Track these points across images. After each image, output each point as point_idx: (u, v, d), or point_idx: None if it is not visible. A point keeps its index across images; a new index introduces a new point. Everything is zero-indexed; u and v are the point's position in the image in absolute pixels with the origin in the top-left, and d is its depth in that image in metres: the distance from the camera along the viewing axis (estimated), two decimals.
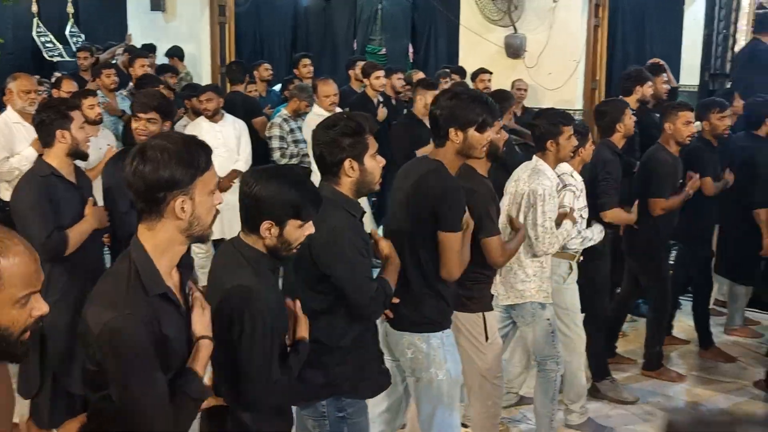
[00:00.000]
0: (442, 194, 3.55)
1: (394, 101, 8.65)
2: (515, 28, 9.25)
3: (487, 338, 4.18)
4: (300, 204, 2.81)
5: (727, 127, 6.08)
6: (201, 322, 2.48)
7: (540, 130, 4.68)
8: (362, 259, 3.20)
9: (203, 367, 2.46)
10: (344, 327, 3.27)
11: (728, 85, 9.15)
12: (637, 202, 5.48)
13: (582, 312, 5.22)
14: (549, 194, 4.48)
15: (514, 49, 9.26)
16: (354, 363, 3.31)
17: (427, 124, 6.82)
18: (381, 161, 3.31)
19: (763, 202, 6.17)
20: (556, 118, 4.67)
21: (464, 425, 4.39)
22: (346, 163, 3.21)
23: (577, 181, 4.90)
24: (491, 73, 9.00)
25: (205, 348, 2.46)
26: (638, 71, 6.68)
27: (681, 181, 5.76)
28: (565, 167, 4.88)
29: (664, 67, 7.35)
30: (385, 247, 3.46)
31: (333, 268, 3.16)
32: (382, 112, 8.13)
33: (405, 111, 8.33)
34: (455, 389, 3.82)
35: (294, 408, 3.30)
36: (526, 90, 8.95)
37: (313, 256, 3.15)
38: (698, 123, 6.08)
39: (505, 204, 4.53)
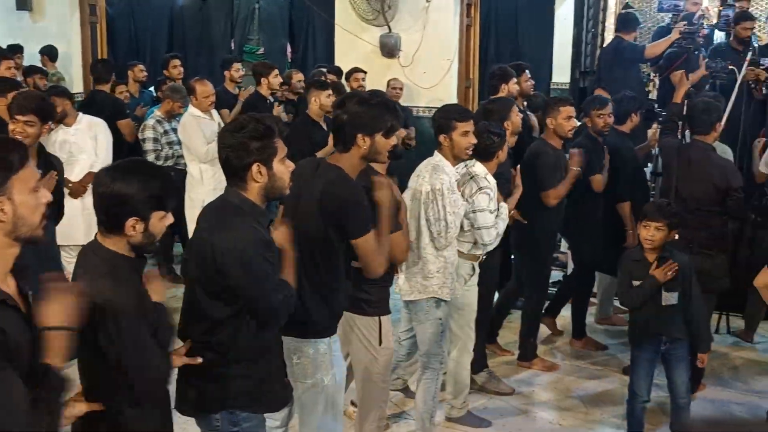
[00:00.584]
0: (346, 206, 3.50)
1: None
2: (389, 28, 9.33)
3: (380, 342, 4.18)
4: (163, 194, 2.76)
5: (606, 124, 6.24)
6: (46, 313, 2.38)
7: (435, 125, 4.74)
8: (269, 267, 3.08)
9: (58, 357, 2.37)
10: (249, 338, 3.13)
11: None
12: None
13: None
14: (447, 188, 4.52)
15: (389, 49, 9.33)
16: (255, 376, 3.19)
17: (323, 125, 6.87)
18: (290, 166, 3.20)
19: (627, 197, 6.38)
20: (450, 114, 4.71)
21: None
22: (254, 168, 3.06)
23: (491, 183, 4.95)
24: (365, 72, 9.04)
25: (54, 338, 2.37)
26: (503, 69, 6.82)
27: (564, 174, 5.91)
28: (480, 168, 4.95)
29: (524, 66, 7.52)
30: (280, 237, 3.30)
31: (239, 278, 3.01)
32: (277, 110, 8.07)
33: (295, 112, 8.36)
34: (340, 395, 3.81)
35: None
36: (401, 89, 9.02)
37: (217, 264, 3.02)
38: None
39: (407, 198, 4.56)
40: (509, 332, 6.59)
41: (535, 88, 8.55)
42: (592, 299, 7.48)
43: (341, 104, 3.66)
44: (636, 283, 4.71)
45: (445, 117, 4.67)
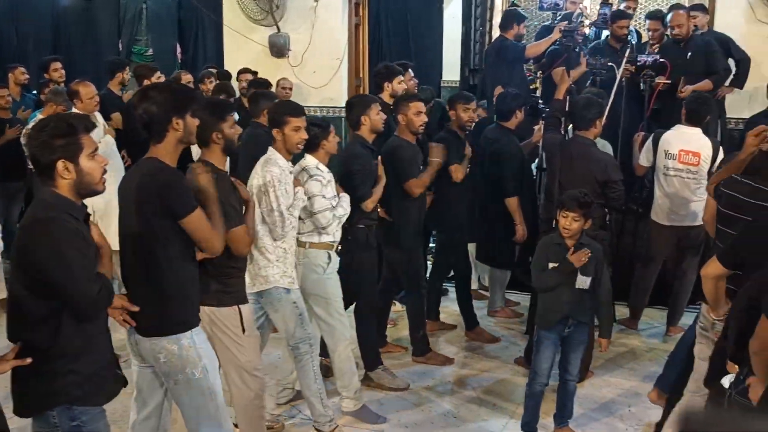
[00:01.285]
0: (165, 190, 3.50)
1: None
2: (278, 28, 9.31)
3: (244, 331, 4.21)
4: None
5: (471, 119, 6.38)
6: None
7: (269, 119, 4.82)
8: (83, 260, 3.14)
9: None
10: (71, 332, 3.18)
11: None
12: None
13: (351, 303, 5.34)
14: (278, 180, 4.59)
15: (278, 48, 9.32)
16: (84, 371, 3.24)
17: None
18: (102, 161, 3.28)
19: (514, 192, 6.53)
20: (283, 109, 4.80)
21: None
22: (60, 165, 3.15)
23: (324, 172, 5.03)
24: (255, 72, 8.99)
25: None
26: (387, 67, 6.89)
27: (422, 168, 5.99)
28: (311, 161, 5.02)
29: (408, 65, 7.63)
30: (95, 234, 3.37)
31: (52, 273, 3.09)
32: None
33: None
34: (216, 385, 3.79)
35: None
36: (291, 88, 9.01)
37: (30, 260, 3.11)
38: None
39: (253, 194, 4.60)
40: (404, 328, 6.67)
41: (432, 93, 8.69)
42: (483, 292, 7.65)
43: (141, 100, 3.62)
44: (552, 265, 4.85)
45: (279, 112, 4.77)
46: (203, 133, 3.96)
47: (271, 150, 4.75)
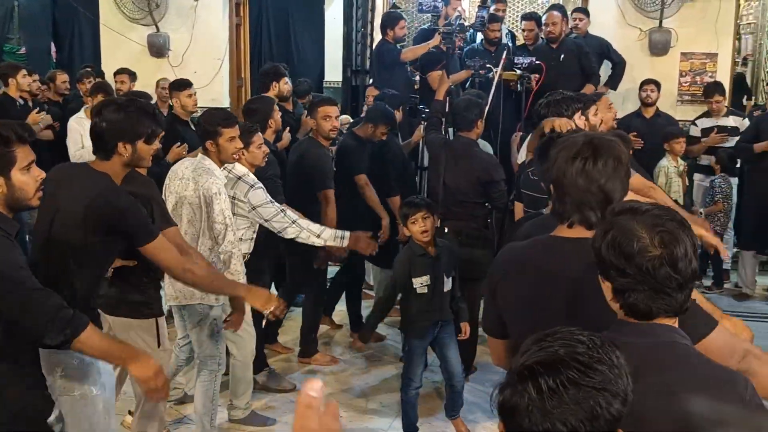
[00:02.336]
0: (125, 217, 3.39)
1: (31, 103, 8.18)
2: (157, 27, 9.16)
3: (159, 344, 4.12)
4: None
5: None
6: None
7: (200, 130, 4.70)
8: (25, 276, 2.91)
9: None
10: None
11: (369, 82, 9.69)
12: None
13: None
14: (221, 191, 4.52)
15: (158, 48, 9.18)
16: (11, 396, 3.06)
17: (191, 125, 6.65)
18: (37, 174, 3.05)
19: (396, 191, 6.60)
20: (215, 119, 4.67)
21: None
22: None
23: (255, 180, 4.98)
24: (133, 73, 8.81)
25: None
26: (274, 68, 6.89)
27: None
28: (241, 169, 4.92)
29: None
30: None
31: None
32: (34, 117, 7.64)
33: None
34: (111, 402, 3.71)
35: None
36: None
37: None
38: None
39: (170, 203, 4.50)
40: (288, 330, 6.66)
41: (309, 86, 8.71)
42: (370, 292, 7.71)
43: (99, 112, 3.54)
44: (420, 279, 4.92)
45: (211, 123, 4.65)
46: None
47: (202, 158, 4.63)
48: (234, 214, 4.77)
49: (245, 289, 4.15)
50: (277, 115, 5.66)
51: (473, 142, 6.02)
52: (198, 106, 7.04)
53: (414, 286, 4.95)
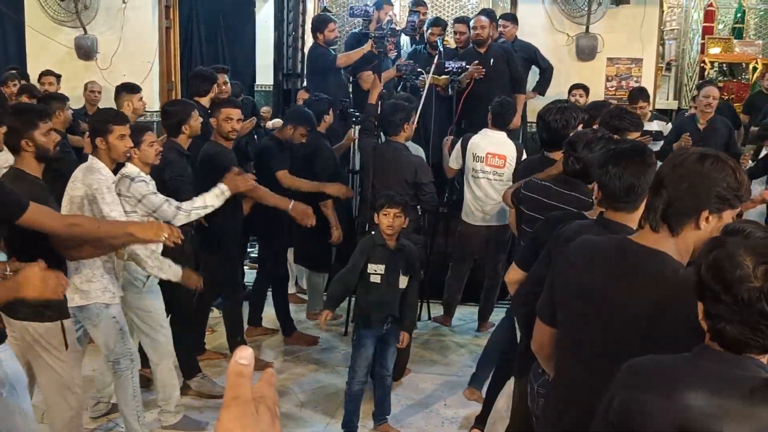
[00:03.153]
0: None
1: None
2: (85, 29, 9.02)
3: (66, 346, 4.05)
4: None
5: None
6: None
7: (91, 128, 4.66)
8: None
9: None
10: None
11: (300, 85, 9.71)
12: None
13: (169, 313, 5.26)
14: (107, 188, 4.45)
15: (86, 51, 9.04)
16: None
17: None
18: None
19: (329, 195, 6.61)
20: (106, 117, 4.65)
21: None
22: None
23: (147, 179, 4.92)
24: (58, 75, 8.66)
25: None
26: (209, 72, 6.85)
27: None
28: (132, 169, 4.87)
29: (224, 69, 7.62)
30: None
31: None
32: None
33: None
34: (25, 403, 3.64)
35: None
36: (99, 92, 8.73)
37: None
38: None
39: (65, 207, 4.44)
40: (220, 336, 6.62)
41: (240, 89, 8.67)
42: (301, 295, 7.71)
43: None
44: (376, 266, 4.98)
45: (102, 120, 4.62)
46: (12, 140, 3.81)
47: (92, 158, 4.57)
48: (126, 212, 4.74)
49: (133, 225, 4.16)
50: (195, 120, 5.61)
51: (402, 146, 6.08)
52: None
53: (368, 272, 5.00)
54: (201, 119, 5.75)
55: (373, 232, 5.22)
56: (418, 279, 5.34)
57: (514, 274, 3.94)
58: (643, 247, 2.41)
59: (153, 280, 5.02)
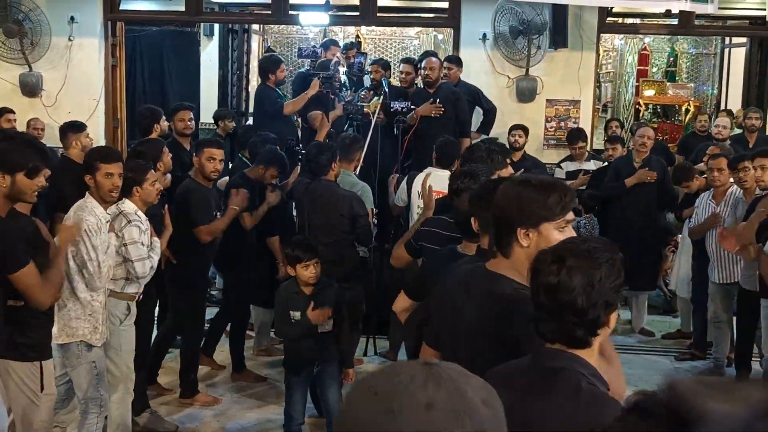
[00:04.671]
0: None
1: None
2: (30, 67, 9.00)
3: (42, 388, 4.03)
4: None
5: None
6: None
7: (83, 165, 4.72)
8: None
9: None
10: None
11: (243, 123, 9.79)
12: None
13: None
14: (95, 229, 4.49)
15: (30, 88, 9.00)
16: None
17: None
18: None
19: (274, 232, 6.69)
20: (94, 154, 4.73)
21: None
22: None
23: (142, 219, 4.96)
24: (14, 112, 8.60)
25: None
26: (151, 109, 6.98)
27: (216, 213, 6.07)
28: (129, 206, 4.93)
29: (188, 106, 7.70)
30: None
31: None
32: None
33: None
34: None
35: None
36: (43, 129, 8.69)
37: None
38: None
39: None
40: (170, 371, 6.61)
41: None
42: (249, 332, 7.72)
43: None
44: (294, 314, 4.99)
45: (91, 157, 4.70)
46: None
47: (87, 196, 4.61)
48: (115, 244, 4.79)
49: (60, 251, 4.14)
50: (167, 157, 5.71)
51: (333, 183, 6.20)
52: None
53: (292, 320, 5.04)
54: (170, 155, 5.85)
55: (288, 282, 5.25)
56: (354, 316, 5.39)
57: (402, 302, 4.07)
58: (487, 271, 2.66)
59: (130, 319, 5.03)
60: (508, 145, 8.51)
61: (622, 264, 2.15)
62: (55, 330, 4.50)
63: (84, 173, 4.67)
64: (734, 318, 6.94)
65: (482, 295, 2.63)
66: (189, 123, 7.33)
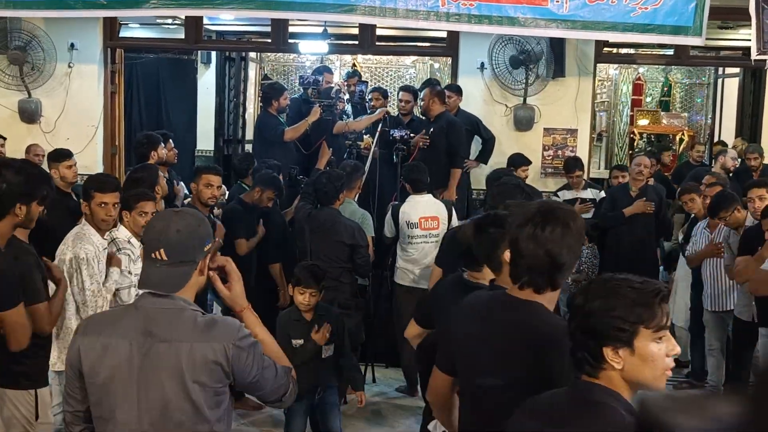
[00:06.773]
0: None
1: None
2: (29, 93, 9.01)
3: (37, 417, 3.98)
4: None
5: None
6: None
7: (82, 192, 4.74)
8: None
9: None
10: None
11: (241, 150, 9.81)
12: None
13: None
14: (92, 258, 4.49)
15: (29, 114, 9.01)
16: None
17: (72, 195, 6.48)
18: None
19: (276, 258, 6.70)
20: (90, 183, 4.74)
21: None
22: None
23: (135, 247, 4.94)
24: (5, 138, 8.61)
25: None
26: (149, 136, 7.00)
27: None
28: (123, 233, 4.94)
29: (168, 135, 7.72)
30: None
31: None
32: None
33: None
34: None
35: None
36: (43, 155, 8.68)
37: None
38: None
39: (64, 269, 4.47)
40: None
41: (181, 155, 8.74)
42: None
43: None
44: (297, 341, 4.97)
45: (87, 185, 4.73)
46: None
47: (84, 224, 4.62)
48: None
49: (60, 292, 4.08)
50: (163, 181, 5.74)
51: (336, 211, 6.22)
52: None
53: (294, 347, 5.01)
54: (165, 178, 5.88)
55: (289, 308, 5.26)
56: (354, 343, 5.38)
57: (412, 330, 4.17)
58: (516, 299, 2.68)
59: None
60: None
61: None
62: (53, 357, 4.48)
63: (83, 200, 4.68)
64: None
65: (511, 323, 2.65)
66: (170, 153, 7.40)
